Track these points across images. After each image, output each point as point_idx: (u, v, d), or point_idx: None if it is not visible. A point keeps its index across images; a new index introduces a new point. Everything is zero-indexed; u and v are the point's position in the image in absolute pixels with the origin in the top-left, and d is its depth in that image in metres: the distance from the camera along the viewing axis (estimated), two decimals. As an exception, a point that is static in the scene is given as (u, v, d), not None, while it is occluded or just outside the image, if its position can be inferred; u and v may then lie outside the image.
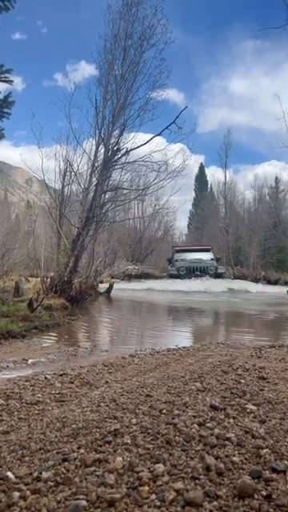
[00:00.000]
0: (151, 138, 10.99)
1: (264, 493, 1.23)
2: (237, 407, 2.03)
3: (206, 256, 20.12)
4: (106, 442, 1.57)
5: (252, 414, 1.93)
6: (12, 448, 1.56)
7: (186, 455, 1.46)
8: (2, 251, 12.36)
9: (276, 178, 31.31)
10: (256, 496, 1.21)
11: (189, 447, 1.53)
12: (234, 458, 1.44)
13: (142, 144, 10.93)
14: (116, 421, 1.80)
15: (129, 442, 1.57)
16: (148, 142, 10.95)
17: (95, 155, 10.99)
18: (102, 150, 10.86)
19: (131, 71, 10.88)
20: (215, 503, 1.17)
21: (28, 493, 1.22)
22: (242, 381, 2.58)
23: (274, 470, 1.37)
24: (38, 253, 17.99)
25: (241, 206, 34.61)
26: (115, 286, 13.52)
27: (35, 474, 1.32)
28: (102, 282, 14.43)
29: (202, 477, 1.31)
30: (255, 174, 40.76)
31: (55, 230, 16.91)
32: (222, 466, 1.38)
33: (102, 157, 10.82)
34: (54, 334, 5.48)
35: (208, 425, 1.75)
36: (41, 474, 1.33)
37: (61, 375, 2.88)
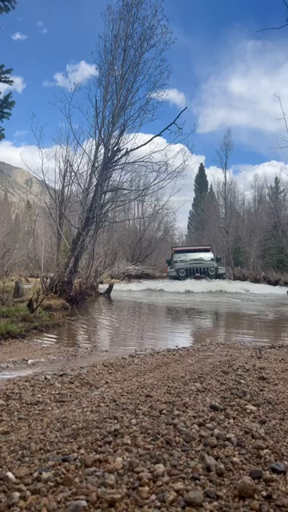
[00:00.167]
0: (151, 139, 10.98)
1: (264, 493, 1.23)
2: (237, 408, 2.03)
3: (207, 256, 19.78)
4: (106, 443, 1.57)
5: (252, 415, 1.93)
6: (12, 448, 1.56)
7: (186, 455, 1.47)
8: (2, 251, 12.36)
9: (276, 179, 31.36)
10: (256, 496, 1.21)
11: (189, 447, 1.54)
12: (234, 459, 1.44)
13: (142, 144, 10.92)
14: (116, 421, 1.80)
15: (129, 442, 1.57)
16: (148, 142, 10.93)
17: (95, 155, 10.99)
18: (102, 151, 10.85)
19: (131, 72, 10.90)
20: (215, 503, 1.17)
21: (28, 493, 1.22)
22: (242, 381, 2.58)
23: (274, 471, 1.37)
24: (37, 253, 18.01)
25: (241, 206, 34.65)
26: (115, 286, 13.52)
27: (35, 475, 1.32)
28: (101, 283, 14.45)
29: (202, 477, 1.31)
30: (255, 174, 40.78)
31: (55, 230, 16.93)
32: (222, 466, 1.38)
33: (102, 157, 10.82)
34: (54, 335, 5.48)
35: (208, 425, 1.75)
36: (41, 474, 1.33)
37: (61, 375, 2.88)
